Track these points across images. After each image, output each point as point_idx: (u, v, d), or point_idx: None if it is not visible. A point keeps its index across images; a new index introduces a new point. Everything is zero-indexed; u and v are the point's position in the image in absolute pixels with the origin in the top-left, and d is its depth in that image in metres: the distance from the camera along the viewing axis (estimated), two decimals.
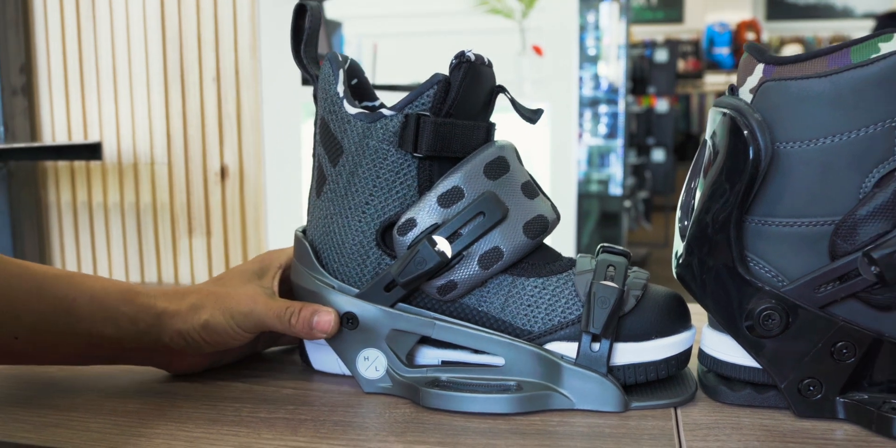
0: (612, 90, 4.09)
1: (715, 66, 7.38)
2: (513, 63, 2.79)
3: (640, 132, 4.65)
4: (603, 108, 4.06)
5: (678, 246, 0.46)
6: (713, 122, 0.45)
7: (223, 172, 0.80)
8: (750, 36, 7.20)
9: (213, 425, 0.42)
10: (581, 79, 4.03)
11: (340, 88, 0.47)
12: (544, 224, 0.47)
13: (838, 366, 0.42)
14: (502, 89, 0.48)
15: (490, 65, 0.47)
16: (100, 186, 0.83)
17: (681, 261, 0.45)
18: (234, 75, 0.77)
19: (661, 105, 4.63)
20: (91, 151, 0.78)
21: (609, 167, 4.14)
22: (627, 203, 4.00)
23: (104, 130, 0.80)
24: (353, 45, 1.64)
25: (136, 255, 0.84)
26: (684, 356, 0.47)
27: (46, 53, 0.82)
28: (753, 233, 0.43)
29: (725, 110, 0.43)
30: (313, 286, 0.48)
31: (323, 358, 0.50)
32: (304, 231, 0.51)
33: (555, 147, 3.18)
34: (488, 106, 0.48)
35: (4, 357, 0.46)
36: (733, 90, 0.46)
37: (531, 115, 0.47)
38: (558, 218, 0.49)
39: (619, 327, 0.44)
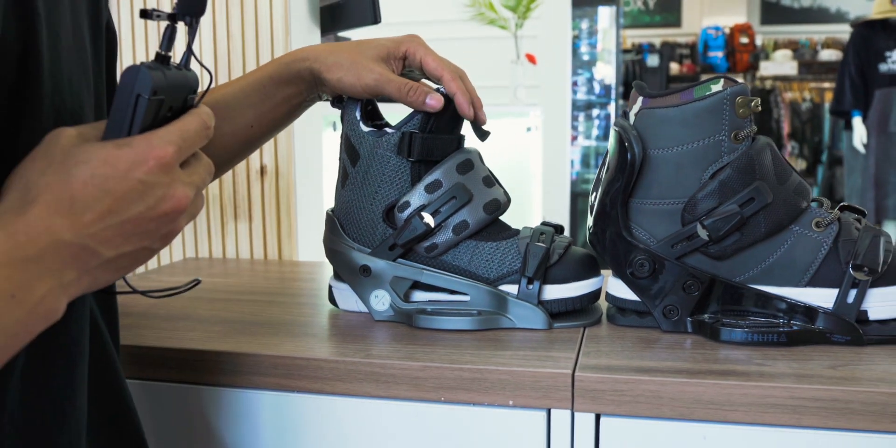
0: (606, 94, 4.30)
1: (710, 69, 7.57)
2: (508, 70, 3.01)
3: None
4: (596, 112, 4.27)
5: (589, 220, 0.67)
6: (611, 136, 0.66)
7: (262, 171, 1.02)
8: (743, 40, 7.39)
9: (275, 337, 0.64)
10: (576, 83, 4.24)
11: (358, 114, 0.68)
12: (498, 205, 0.68)
13: (688, 297, 0.63)
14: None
15: None
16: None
17: (590, 230, 0.67)
18: None
19: None
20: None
21: None
22: None
23: None
24: None
25: (191, 236, 1.06)
26: (594, 295, 0.68)
27: None
28: (635, 209, 0.64)
29: (617, 128, 0.64)
30: (340, 248, 0.69)
31: (345, 299, 0.71)
32: (332, 211, 0.72)
33: (548, 149, 3.38)
34: (458, 123, 0.69)
35: (247, 147, 0.71)
36: (626, 114, 0.67)
37: (480, 134, 0.69)
38: (509, 201, 0.70)
39: (547, 274, 0.66)
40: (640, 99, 0.65)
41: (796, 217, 0.62)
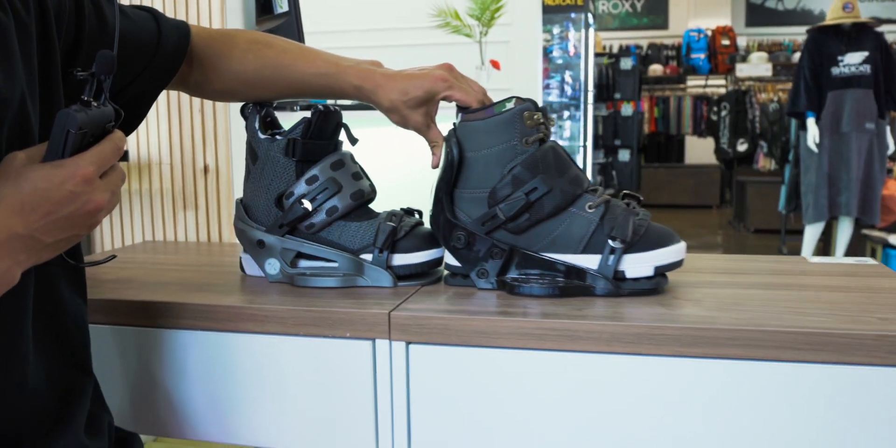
0: (578, 97, 4.51)
1: (692, 70, 7.78)
2: (473, 75, 3.22)
3: (608, 134, 5.07)
4: (568, 114, 4.48)
5: (429, 206, 0.89)
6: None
7: (206, 169, 1.23)
8: (724, 42, 7.60)
9: (192, 292, 0.86)
10: (548, 86, 4.45)
11: (257, 124, 0.90)
12: (362, 194, 0.89)
13: (495, 262, 0.84)
14: (345, 125, 0.91)
15: (336, 110, 0.90)
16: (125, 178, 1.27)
17: (431, 214, 0.88)
18: (212, 107, 1.21)
19: (626, 109, 5.05)
20: (121, 156, 1.22)
21: None
22: None
23: (128, 142, 1.23)
24: None
25: (149, 224, 1.27)
26: (435, 262, 0.89)
27: None
28: (457, 197, 0.86)
29: (445, 136, 0.86)
30: (243, 227, 0.91)
31: (250, 266, 0.93)
32: (240, 199, 0.94)
33: None
34: (336, 132, 0.91)
35: (271, 97, 0.91)
36: (454, 125, 0.88)
37: (352, 141, 0.90)
38: (374, 192, 0.92)
39: (395, 246, 0.87)
40: (461, 114, 0.86)
41: (573, 201, 0.83)
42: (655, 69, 7.88)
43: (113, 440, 0.75)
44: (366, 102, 0.88)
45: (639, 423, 0.73)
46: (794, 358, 0.69)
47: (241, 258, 0.95)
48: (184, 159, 1.23)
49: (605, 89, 5.00)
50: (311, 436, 0.80)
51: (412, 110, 0.86)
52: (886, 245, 3.89)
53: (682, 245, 0.84)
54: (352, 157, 0.92)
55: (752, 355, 0.70)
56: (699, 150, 8.23)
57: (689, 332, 0.71)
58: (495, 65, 3.31)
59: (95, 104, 0.60)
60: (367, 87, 0.85)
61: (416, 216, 0.94)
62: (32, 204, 0.55)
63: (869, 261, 1.01)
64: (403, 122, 0.88)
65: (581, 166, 4.45)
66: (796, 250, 4.49)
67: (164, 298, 0.83)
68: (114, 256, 0.77)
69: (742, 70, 6.12)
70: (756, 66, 6.11)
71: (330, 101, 0.92)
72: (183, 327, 0.82)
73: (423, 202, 0.99)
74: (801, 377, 0.69)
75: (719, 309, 0.76)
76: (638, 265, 0.82)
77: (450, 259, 0.88)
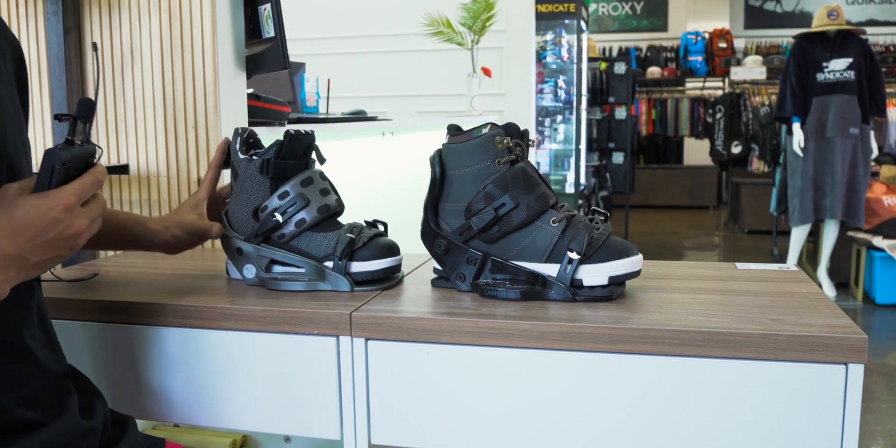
0: (571, 101, 4.62)
1: (690, 73, 7.87)
2: (465, 82, 3.32)
3: (602, 137, 5.17)
4: (560, 117, 4.58)
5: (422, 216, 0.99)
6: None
7: (199, 181, 1.35)
8: (722, 44, 7.69)
9: (182, 294, 0.97)
10: (542, 91, 4.56)
11: (238, 145, 1.01)
12: (328, 208, 1.00)
13: (470, 267, 0.94)
14: (315, 147, 1.02)
15: (308, 133, 1.01)
16: (127, 190, 1.38)
17: (421, 222, 0.98)
18: (205, 125, 1.32)
19: (620, 113, 5.15)
20: (122, 169, 1.33)
21: (569, 169, 4.67)
22: (580, 201, 4.52)
23: (129, 156, 1.35)
24: (312, 82, 2.17)
25: None
26: (392, 269, 1.00)
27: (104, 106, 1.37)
28: (441, 209, 0.96)
29: (431, 155, 0.96)
30: (226, 236, 1.02)
31: (232, 271, 1.05)
32: (225, 212, 1.05)
33: None
34: (307, 152, 1.02)
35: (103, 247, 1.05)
36: (442, 146, 0.98)
37: (320, 160, 1.01)
38: (341, 206, 1.03)
39: (353, 255, 0.98)
40: (448, 136, 0.97)
41: (539, 216, 0.93)
42: (654, 71, 7.97)
43: (109, 422, 0.86)
44: (143, 235, 1.05)
45: (565, 407, 0.84)
46: (694, 353, 0.80)
47: (226, 263, 1.06)
48: (179, 172, 1.34)
49: (600, 93, 5.10)
50: (284, 420, 0.92)
51: (186, 213, 1.05)
52: (871, 247, 3.99)
53: (637, 257, 0.92)
54: (321, 174, 1.03)
55: (659, 351, 0.81)
56: (697, 152, 8.32)
57: (605, 330, 0.82)
58: (486, 72, 3.41)
59: (79, 142, 0.69)
60: (137, 222, 1.05)
61: (381, 228, 1.05)
62: (21, 229, 0.64)
63: (791, 267, 1.11)
64: (180, 228, 1.05)
65: (574, 168, 4.57)
66: (786, 251, 4.58)
67: (160, 300, 0.95)
68: (96, 274, 0.88)
69: (737, 73, 6.21)
70: (751, 70, 6.20)
71: (301, 126, 1.03)
72: (175, 325, 0.94)
73: (398, 212, 1.10)
74: (701, 369, 0.80)
75: (638, 310, 0.87)
76: (591, 274, 0.91)
77: (435, 264, 0.99)
